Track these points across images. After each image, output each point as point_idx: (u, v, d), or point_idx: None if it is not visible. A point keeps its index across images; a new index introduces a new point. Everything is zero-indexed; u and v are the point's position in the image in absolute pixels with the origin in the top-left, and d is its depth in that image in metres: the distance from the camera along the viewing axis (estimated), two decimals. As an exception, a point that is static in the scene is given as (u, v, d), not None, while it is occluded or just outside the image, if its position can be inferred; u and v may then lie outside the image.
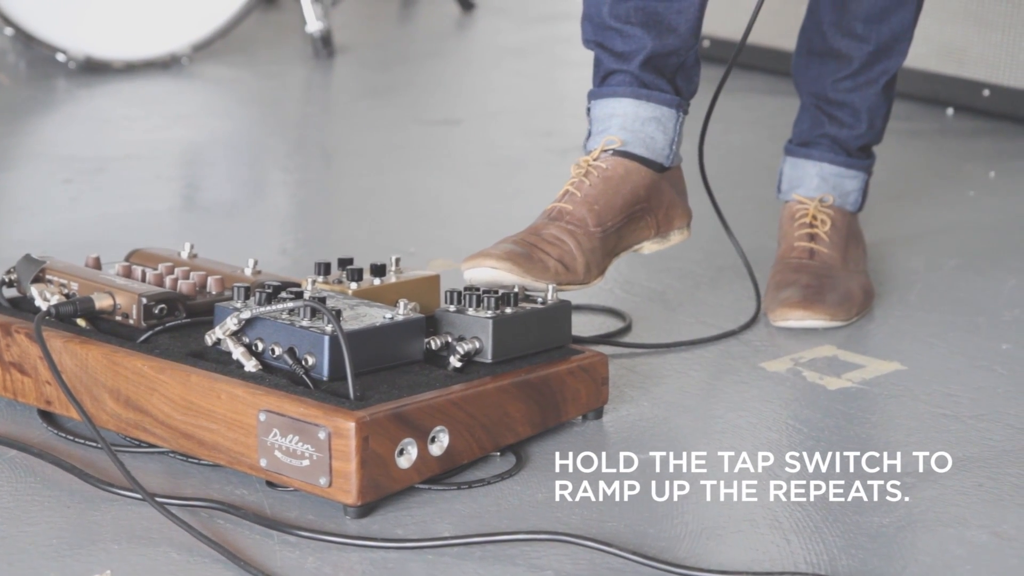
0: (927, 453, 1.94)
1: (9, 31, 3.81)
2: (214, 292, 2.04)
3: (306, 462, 1.74)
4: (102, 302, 1.97)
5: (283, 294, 1.89)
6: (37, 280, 2.04)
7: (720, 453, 1.95)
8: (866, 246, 2.55)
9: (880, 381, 2.17)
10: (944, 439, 1.99)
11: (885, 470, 1.90)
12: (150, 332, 1.94)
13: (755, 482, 1.87)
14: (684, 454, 1.94)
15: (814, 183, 2.49)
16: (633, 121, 2.23)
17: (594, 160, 2.21)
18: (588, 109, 2.28)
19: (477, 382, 1.87)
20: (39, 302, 1.99)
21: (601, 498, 1.82)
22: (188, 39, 3.99)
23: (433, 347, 1.92)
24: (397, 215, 2.90)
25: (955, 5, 3.56)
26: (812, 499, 1.82)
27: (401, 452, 1.77)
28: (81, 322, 1.98)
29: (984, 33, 3.52)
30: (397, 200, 2.99)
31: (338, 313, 1.84)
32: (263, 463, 1.77)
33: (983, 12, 3.52)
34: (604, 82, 2.25)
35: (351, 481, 1.72)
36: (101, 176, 3.06)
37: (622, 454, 1.93)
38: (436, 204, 2.98)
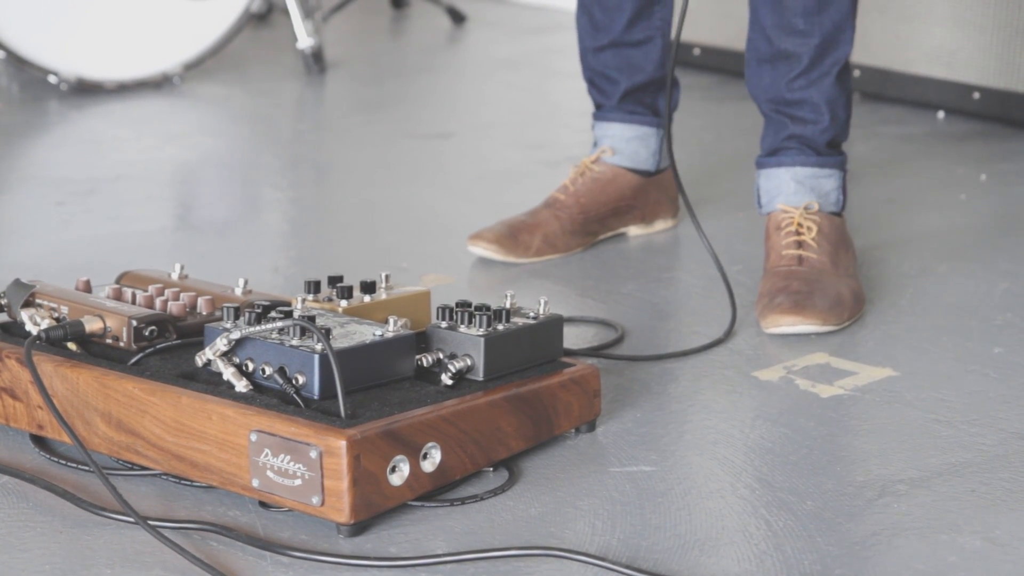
0: (919, 459, 1.95)
1: (0, 54, 3.81)
2: (204, 313, 2.04)
3: (298, 481, 1.74)
4: (92, 325, 1.97)
5: (273, 313, 1.89)
6: (27, 304, 2.04)
7: (713, 464, 1.95)
8: (856, 251, 2.55)
9: (873, 388, 2.17)
10: (937, 445, 1.99)
11: (878, 477, 1.90)
12: (140, 354, 1.95)
13: (748, 492, 1.87)
14: (677, 465, 1.95)
15: (791, 188, 2.50)
16: (620, 140, 2.77)
17: (591, 163, 2.77)
18: (593, 125, 2.83)
19: (469, 397, 1.87)
20: (29, 327, 2.00)
21: (594, 511, 1.82)
22: (179, 58, 3.99)
23: (424, 364, 1.92)
24: (390, 231, 2.91)
25: (944, 9, 3.56)
26: (805, 508, 1.82)
27: (393, 469, 1.77)
28: (71, 346, 1.98)
29: (973, 36, 3.53)
30: (390, 216, 3.00)
31: (328, 331, 1.84)
32: (255, 483, 1.77)
33: (972, 15, 3.52)
34: (599, 109, 2.80)
35: (343, 500, 1.72)
36: (93, 198, 3.06)
37: (615, 467, 1.93)
38: (429, 219, 2.98)
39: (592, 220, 2.73)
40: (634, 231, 2.80)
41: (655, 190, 2.79)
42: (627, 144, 2.76)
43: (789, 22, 2.46)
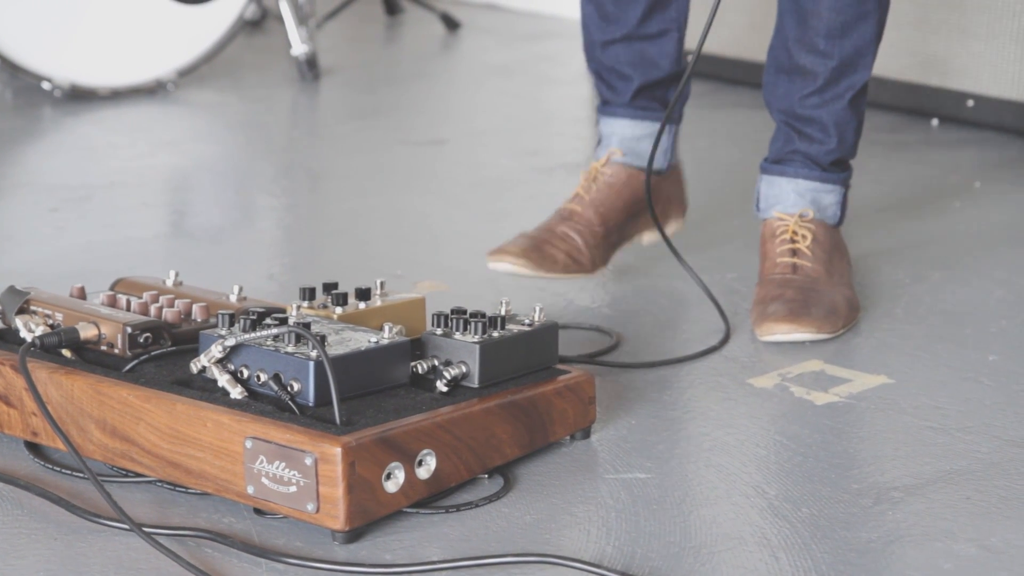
0: (914, 466, 1.95)
1: (-6, 60, 3.81)
2: (199, 320, 2.04)
3: (293, 488, 1.74)
4: (87, 332, 1.97)
5: (268, 320, 1.89)
6: (22, 311, 2.04)
7: (708, 471, 1.95)
8: (851, 259, 2.55)
9: (867, 395, 2.17)
10: (932, 452, 1.99)
11: (873, 485, 1.90)
12: (135, 361, 1.94)
13: (743, 499, 1.87)
14: (672, 472, 1.95)
15: (791, 199, 2.49)
16: (629, 139, 2.61)
17: (602, 167, 2.60)
18: (598, 120, 2.66)
19: (464, 404, 1.87)
20: (24, 333, 1.99)
21: (589, 518, 1.82)
22: (173, 64, 3.99)
23: (420, 371, 1.92)
24: (384, 237, 2.91)
25: (938, 16, 3.57)
26: (800, 515, 1.82)
27: (388, 476, 1.77)
28: (66, 353, 1.98)
29: (967, 44, 3.53)
30: (384, 222, 2.99)
31: (323, 338, 1.84)
32: (250, 490, 1.77)
33: (966, 23, 3.52)
34: (605, 103, 2.63)
35: (338, 507, 1.72)
36: (87, 204, 3.06)
37: (610, 474, 1.93)
38: (423, 226, 2.98)
39: (612, 230, 2.57)
40: (648, 237, 2.66)
41: (667, 187, 2.66)
42: (637, 143, 2.60)
43: (811, 40, 2.43)
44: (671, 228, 2.67)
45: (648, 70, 2.57)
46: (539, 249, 2.50)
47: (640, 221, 2.63)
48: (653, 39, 2.55)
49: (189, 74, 4.03)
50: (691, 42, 3.97)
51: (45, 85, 3.85)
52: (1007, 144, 3.47)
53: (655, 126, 2.60)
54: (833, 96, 2.46)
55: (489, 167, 3.40)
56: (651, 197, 2.58)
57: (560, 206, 2.61)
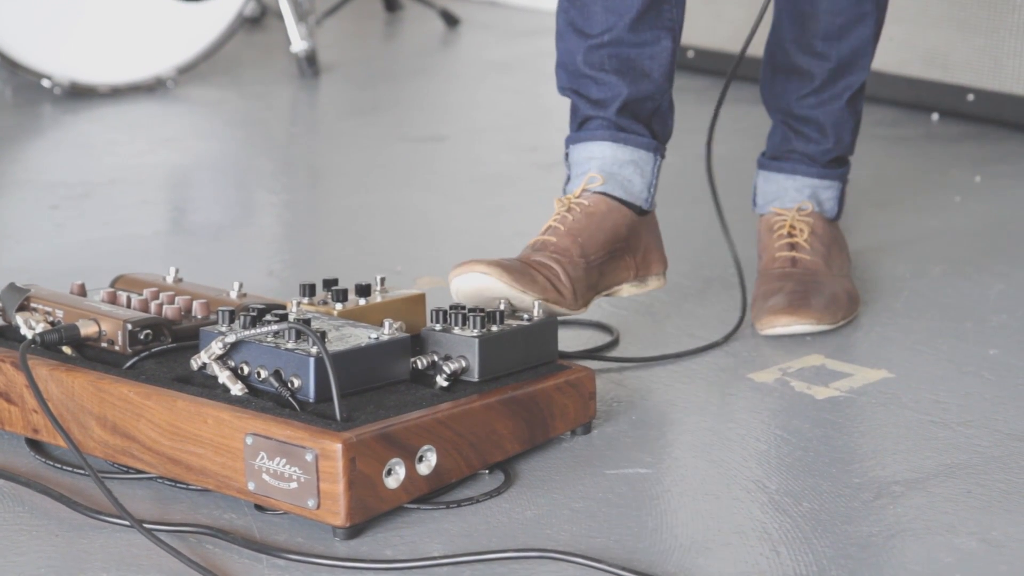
0: (915, 460, 1.95)
1: (-7, 58, 3.81)
2: (199, 316, 2.04)
3: (294, 484, 1.74)
4: (87, 329, 1.97)
5: (268, 317, 1.89)
6: (22, 308, 2.04)
7: (709, 466, 1.95)
8: (849, 253, 2.55)
9: (868, 389, 2.17)
10: (932, 446, 1.99)
11: (873, 479, 1.90)
12: (136, 358, 1.94)
13: (744, 494, 1.87)
14: (673, 467, 1.95)
15: (789, 195, 2.50)
16: (611, 164, 2.25)
17: (576, 198, 2.23)
18: (566, 155, 2.30)
19: (464, 400, 1.87)
20: (24, 330, 1.99)
21: (590, 514, 1.82)
22: (173, 62, 3.99)
23: (420, 366, 1.92)
24: (384, 234, 2.91)
25: (938, 10, 3.57)
26: (801, 510, 1.82)
27: (389, 472, 1.77)
28: (67, 349, 1.98)
29: (968, 38, 3.53)
30: (384, 218, 2.99)
31: (323, 334, 1.84)
32: (251, 487, 1.77)
33: (966, 17, 3.52)
34: (581, 127, 2.28)
35: (339, 502, 1.72)
36: (87, 201, 3.06)
37: (610, 469, 1.93)
38: (423, 222, 2.98)
39: (593, 266, 2.19)
40: (627, 290, 2.28)
41: (646, 233, 2.29)
42: (620, 169, 2.25)
43: (809, 42, 2.43)
44: (652, 285, 2.31)
45: (637, 80, 2.25)
46: (518, 267, 2.10)
47: (621, 267, 2.25)
48: (644, 46, 2.24)
49: (189, 71, 4.03)
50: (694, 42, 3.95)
51: (45, 82, 3.85)
52: (1007, 138, 3.47)
53: (639, 152, 2.27)
54: (830, 97, 2.46)
55: (489, 163, 3.40)
56: (631, 243, 2.27)
57: (531, 240, 2.23)
